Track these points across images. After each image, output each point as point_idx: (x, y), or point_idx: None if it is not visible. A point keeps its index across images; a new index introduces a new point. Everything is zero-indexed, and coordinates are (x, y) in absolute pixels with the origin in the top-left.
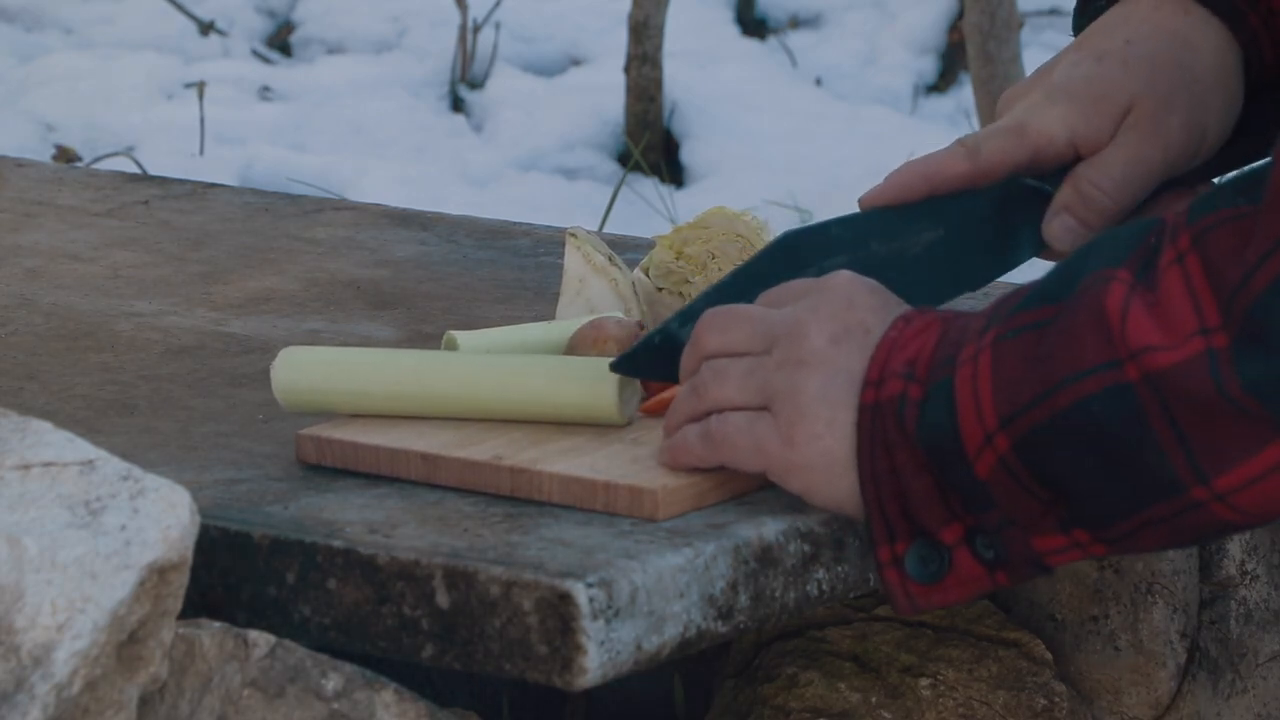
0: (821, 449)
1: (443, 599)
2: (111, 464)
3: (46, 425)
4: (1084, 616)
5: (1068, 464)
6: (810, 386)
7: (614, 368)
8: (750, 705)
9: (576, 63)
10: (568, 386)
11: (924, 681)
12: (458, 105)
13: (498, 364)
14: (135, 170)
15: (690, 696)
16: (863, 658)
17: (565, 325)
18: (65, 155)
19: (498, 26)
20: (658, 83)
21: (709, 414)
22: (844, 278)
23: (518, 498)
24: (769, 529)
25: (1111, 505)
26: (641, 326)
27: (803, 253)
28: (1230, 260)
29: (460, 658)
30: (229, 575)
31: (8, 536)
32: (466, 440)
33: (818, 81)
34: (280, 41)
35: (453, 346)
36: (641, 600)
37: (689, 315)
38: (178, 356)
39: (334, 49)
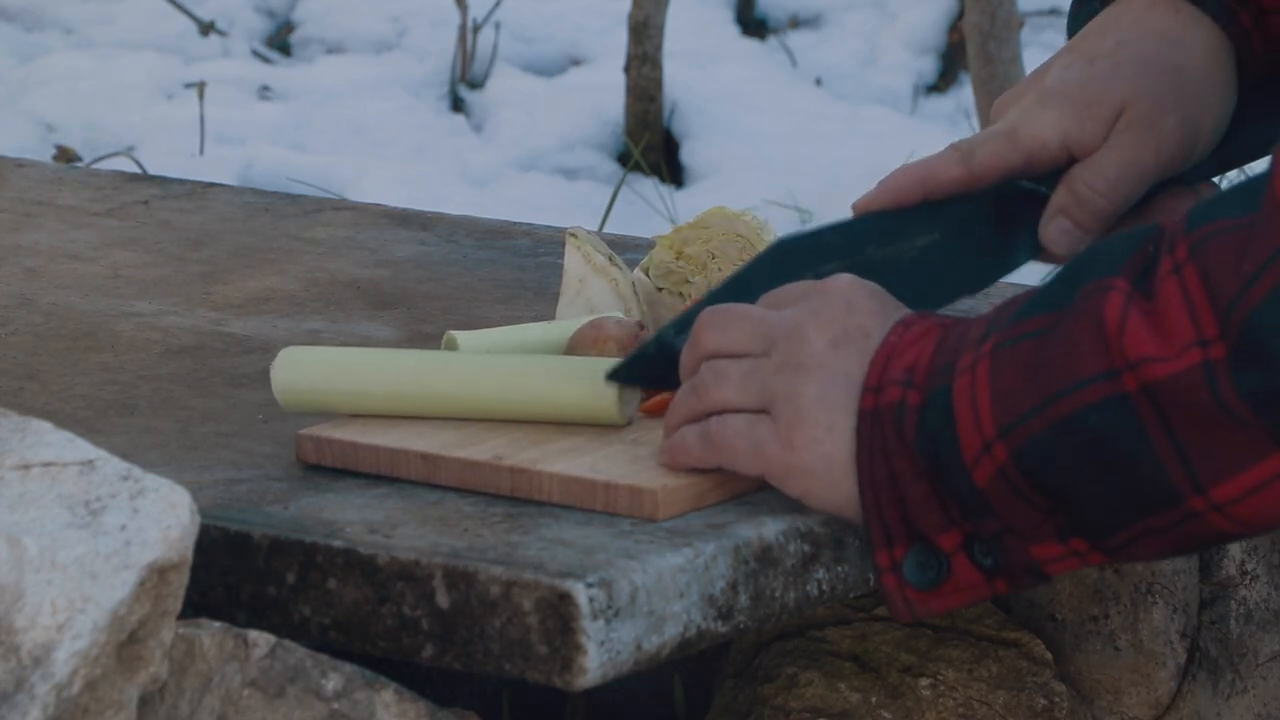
0: (821, 453)
1: (443, 599)
2: (111, 464)
3: (46, 425)
4: (1084, 616)
5: (1066, 474)
6: (809, 391)
7: (610, 377)
8: (750, 705)
9: (576, 63)
10: (568, 386)
11: (924, 681)
12: (458, 105)
13: (498, 364)
14: (135, 170)
15: (690, 696)
16: (863, 658)
17: (565, 325)
18: (65, 155)
19: (498, 26)
20: (658, 83)
21: (708, 415)
22: (844, 281)
23: (518, 498)
24: (769, 529)
25: (1110, 515)
26: (641, 326)
27: (797, 258)
28: (1227, 271)
29: (460, 658)
30: (229, 575)
31: (8, 536)
32: (466, 440)
33: (818, 81)
34: (280, 41)
35: (453, 346)
36: (641, 600)
37: (684, 324)
38: (178, 356)
39: (334, 49)
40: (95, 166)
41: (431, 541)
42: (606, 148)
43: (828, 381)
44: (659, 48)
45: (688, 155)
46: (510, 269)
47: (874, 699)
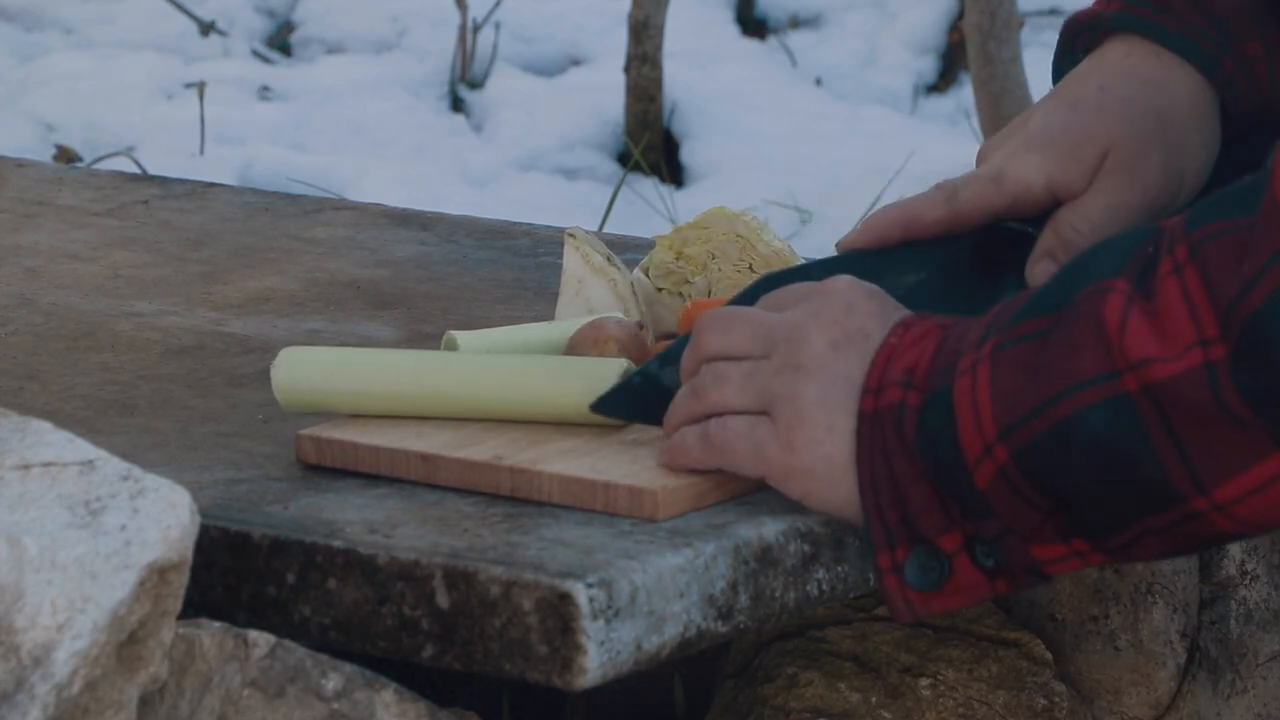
0: (821, 455)
1: (443, 599)
2: (111, 464)
3: (46, 425)
4: (1084, 616)
5: (1067, 475)
6: (809, 392)
7: (594, 408)
8: (750, 705)
9: (576, 63)
10: (568, 386)
11: (924, 681)
12: (458, 105)
13: (498, 364)
14: (135, 170)
15: (690, 696)
16: (863, 658)
17: (565, 325)
18: (65, 155)
19: (498, 26)
20: (658, 83)
21: (708, 416)
22: (844, 282)
23: (518, 498)
24: (769, 529)
25: (1111, 515)
26: (641, 326)
27: None
28: (1228, 272)
29: (460, 658)
30: (229, 575)
31: (8, 536)
32: (466, 440)
33: (818, 81)
34: (280, 41)
35: (453, 346)
36: (641, 600)
37: (668, 357)
38: (178, 356)
39: (334, 49)
40: (95, 166)
41: (431, 541)
42: (606, 148)
43: (828, 383)
44: (659, 48)
45: (688, 155)
46: (510, 269)
47: (874, 699)
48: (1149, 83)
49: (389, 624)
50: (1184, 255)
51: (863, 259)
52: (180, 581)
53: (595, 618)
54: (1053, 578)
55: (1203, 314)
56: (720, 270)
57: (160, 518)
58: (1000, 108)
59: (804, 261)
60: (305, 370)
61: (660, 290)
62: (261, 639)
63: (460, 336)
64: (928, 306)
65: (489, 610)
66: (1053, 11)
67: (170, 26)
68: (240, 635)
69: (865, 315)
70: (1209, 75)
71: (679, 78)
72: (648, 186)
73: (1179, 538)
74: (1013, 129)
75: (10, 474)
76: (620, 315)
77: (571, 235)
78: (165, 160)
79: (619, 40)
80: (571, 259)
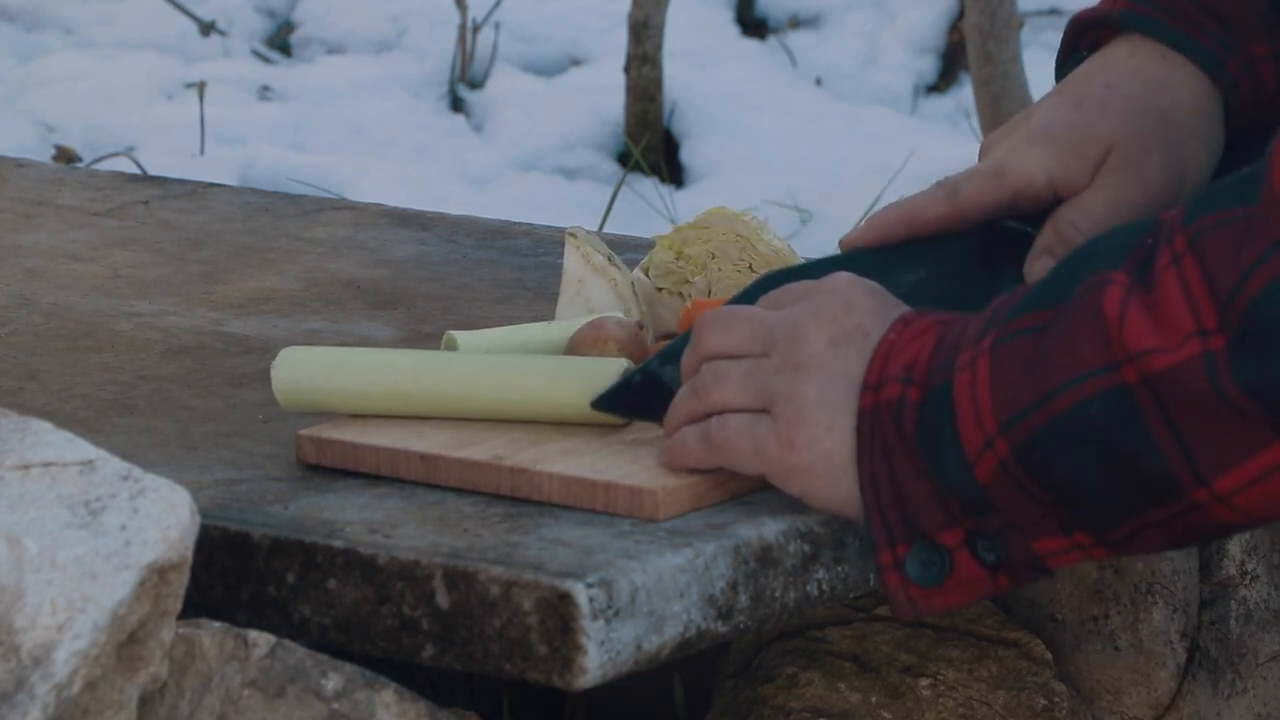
0: (821, 452)
1: (443, 599)
2: (111, 464)
3: (46, 425)
4: (1084, 616)
5: (1068, 468)
6: (809, 390)
7: (595, 405)
8: (750, 705)
9: (576, 63)
10: (568, 386)
11: (924, 681)
12: (458, 105)
13: (498, 364)
14: (135, 170)
15: (690, 696)
16: (863, 658)
17: (565, 325)
18: (65, 155)
19: (497, 26)
20: (658, 83)
21: (709, 415)
22: (843, 279)
23: (518, 498)
24: (769, 529)
25: (1112, 508)
26: (641, 326)
27: None
28: (1226, 262)
29: (460, 658)
30: (229, 575)
31: (8, 536)
32: (466, 440)
33: (818, 81)
34: (280, 41)
35: (453, 346)
36: (641, 600)
37: (669, 355)
38: (178, 356)
39: (334, 49)
40: (95, 166)
41: (431, 541)
42: (606, 148)
43: (828, 381)
44: (659, 48)
45: (688, 155)
46: (510, 269)
47: (874, 699)
48: (1152, 82)
49: (389, 624)
50: (1182, 246)
51: (863, 258)
52: (180, 581)
53: (595, 618)
54: (1054, 572)
55: (1201, 305)
56: (720, 270)
57: (160, 518)
58: (1000, 108)
59: (804, 261)
60: (305, 370)
61: (660, 290)
62: (261, 639)
63: (460, 336)
64: (927, 304)
65: (489, 610)
66: (1053, 11)
67: (170, 26)
68: (240, 635)
69: (864, 312)
70: (1213, 75)
71: (679, 78)
72: (648, 186)
73: (1180, 529)
74: (1015, 124)
75: (10, 474)
76: (620, 315)
77: (572, 235)
78: (165, 160)
79: (619, 40)
80: (572, 258)
